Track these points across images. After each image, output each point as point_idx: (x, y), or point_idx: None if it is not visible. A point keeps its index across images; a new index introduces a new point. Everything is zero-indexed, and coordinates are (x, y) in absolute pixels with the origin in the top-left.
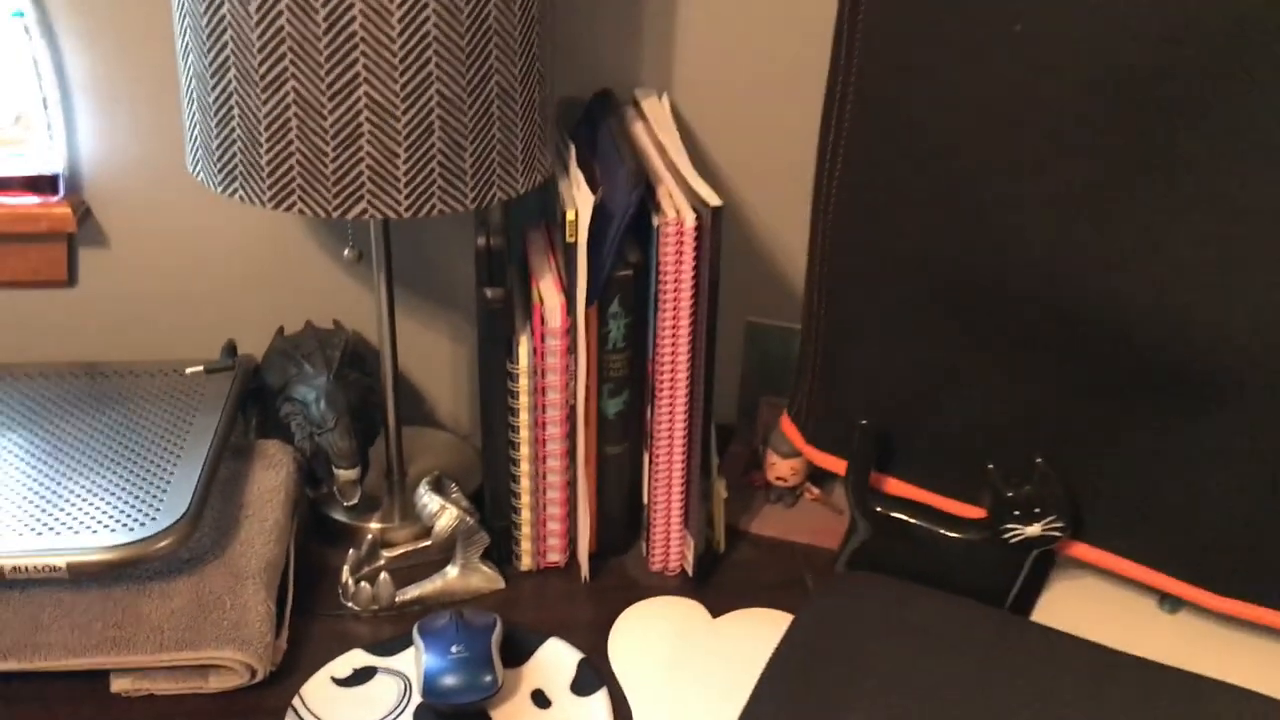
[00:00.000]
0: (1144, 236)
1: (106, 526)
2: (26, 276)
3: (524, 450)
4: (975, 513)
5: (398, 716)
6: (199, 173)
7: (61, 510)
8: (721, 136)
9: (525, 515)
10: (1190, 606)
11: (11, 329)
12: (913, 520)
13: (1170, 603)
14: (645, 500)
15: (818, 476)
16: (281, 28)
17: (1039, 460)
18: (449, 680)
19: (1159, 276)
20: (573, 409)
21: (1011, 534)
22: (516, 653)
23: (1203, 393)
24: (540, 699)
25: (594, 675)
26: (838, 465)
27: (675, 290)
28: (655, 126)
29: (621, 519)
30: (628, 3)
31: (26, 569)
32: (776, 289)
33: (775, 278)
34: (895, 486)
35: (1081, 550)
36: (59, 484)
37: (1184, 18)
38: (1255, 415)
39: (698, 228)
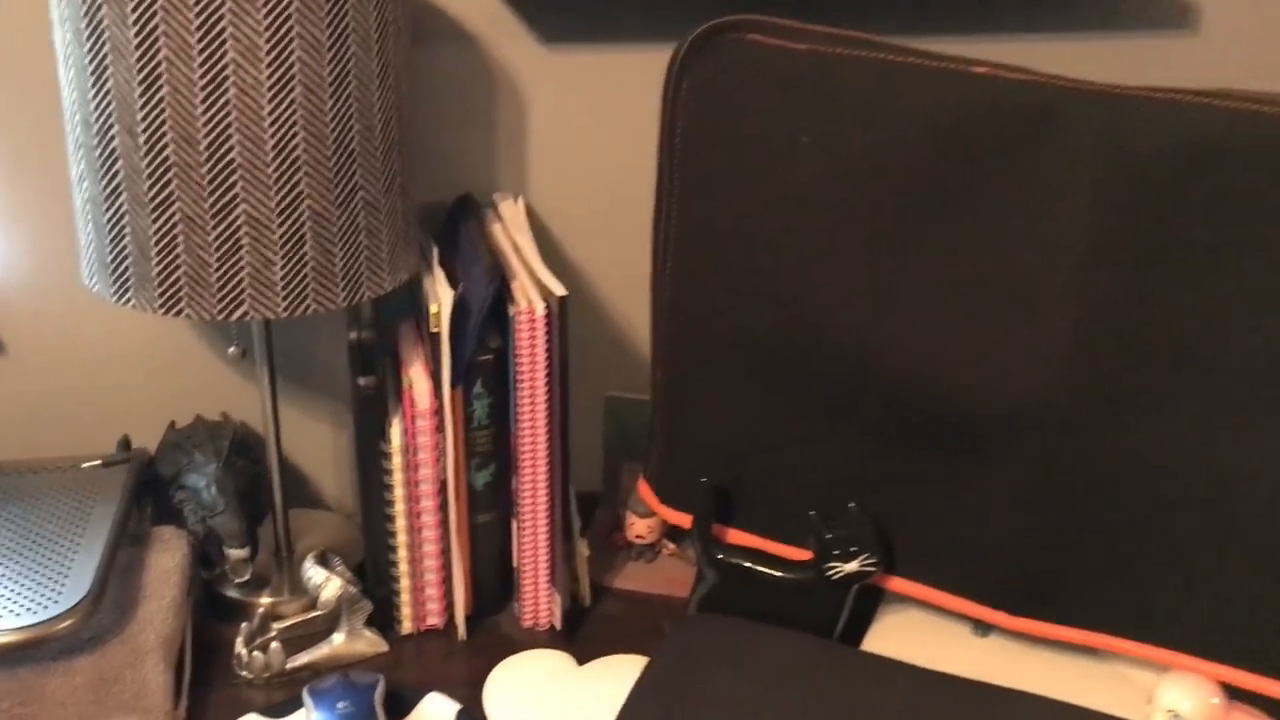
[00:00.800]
0: (916, 313)
1: (12, 611)
2: None
3: (400, 523)
4: (803, 555)
5: None
6: (95, 284)
7: None
8: (575, 232)
9: (404, 583)
10: (997, 629)
11: None
12: (750, 565)
13: (981, 627)
14: (515, 563)
15: (673, 533)
16: (167, 158)
17: (852, 505)
18: None
19: (930, 345)
20: (444, 483)
21: (834, 571)
22: (399, 707)
23: (976, 440)
24: None
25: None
26: (685, 520)
27: (531, 371)
28: (510, 227)
29: (494, 581)
30: (485, 117)
31: None
32: (632, 365)
33: (630, 355)
34: (735, 536)
35: (896, 583)
36: None
37: (923, 128)
38: (1017, 457)
39: (547, 315)
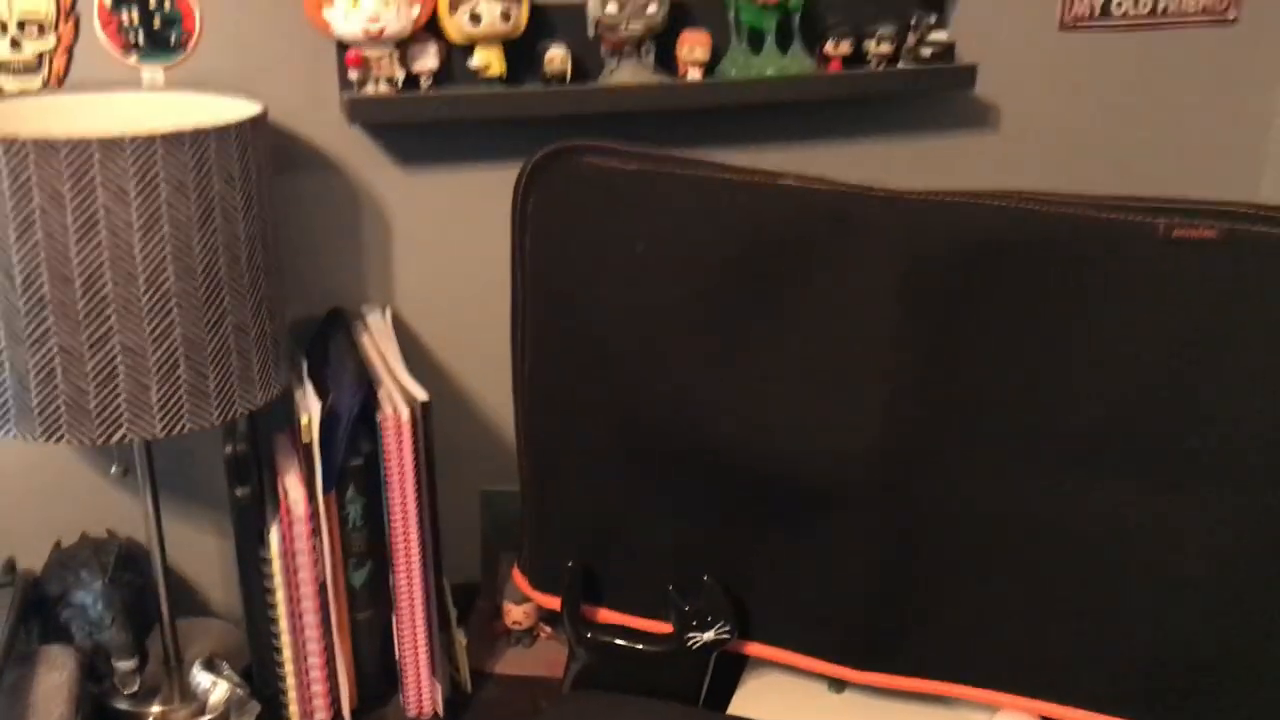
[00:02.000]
0: (748, 396)
1: None
2: None
3: (283, 624)
4: (665, 628)
5: None
6: None
7: None
8: (443, 337)
9: (290, 682)
10: (850, 685)
11: None
12: (616, 641)
13: (835, 685)
14: (396, 655)
15: (549, 617)
16: (44, 296)
17: (706, 578)
18: None
19: (763, 424)
20: (323, 584)
21: (693, 641)
22: None
23: (808, 509)
24: None
25: None
26: (555, 603)
27: (400, 473)
28: (377, 337)
29: (377, 674)
30: (352, 235)
31: None
32: (505, 459)
33: (503, 450)
34: (602, 615)
35: (752, 648)
36: None
37: (738, 233)
38: (846, 523)
39: (412, 419)
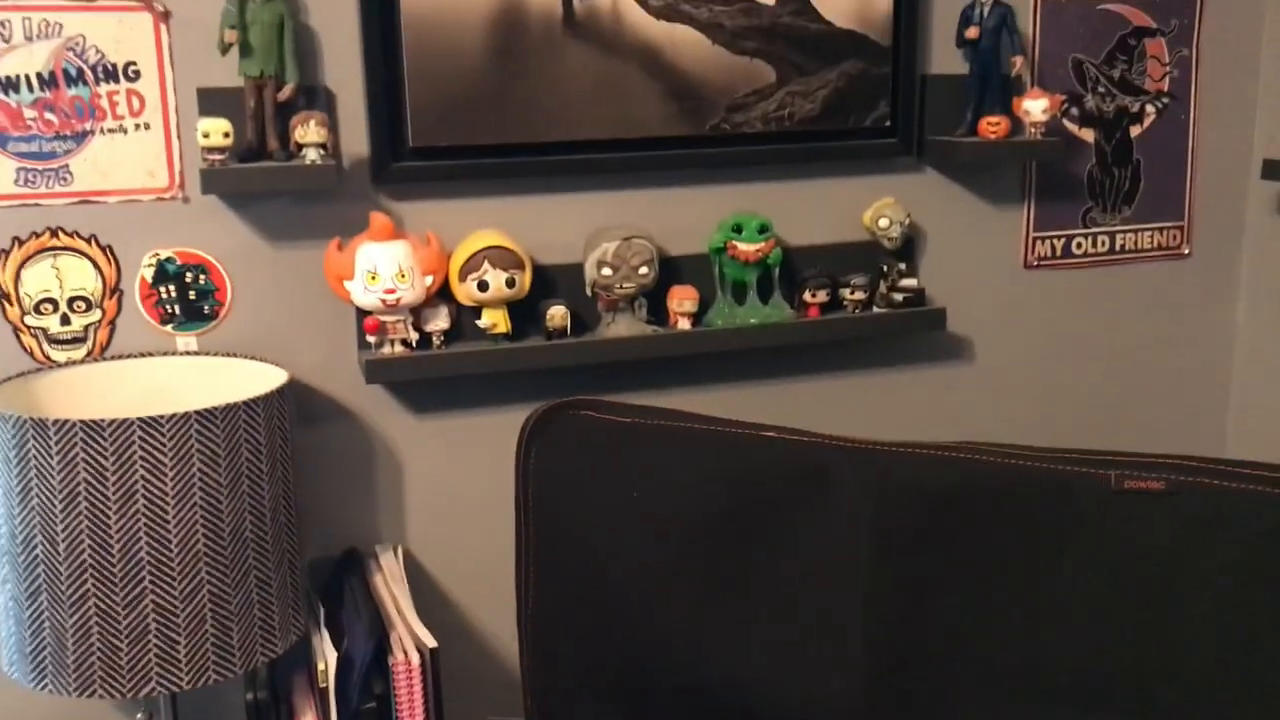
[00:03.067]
0: (735, 638)
1: None
2: None
3: None
4: None
5: None
6: (14, 672)
7: None
8: (453, 574)
9: None
10: None
11: None
12: None
13: None
14: None
15: None
16: (84, 561)
17: None
18: None
19: (749, 664)
20: None
21: None
22: None
23: None
24: None
25: None
26: None
27: (411, 714)
28: (389, 578)
29: None
30: (367, 479)
31: None
32: (512, 689)
33: (509, 680)
34: None
35: None
36: None
37: (722, 481)
38: None
39: (422, 665)
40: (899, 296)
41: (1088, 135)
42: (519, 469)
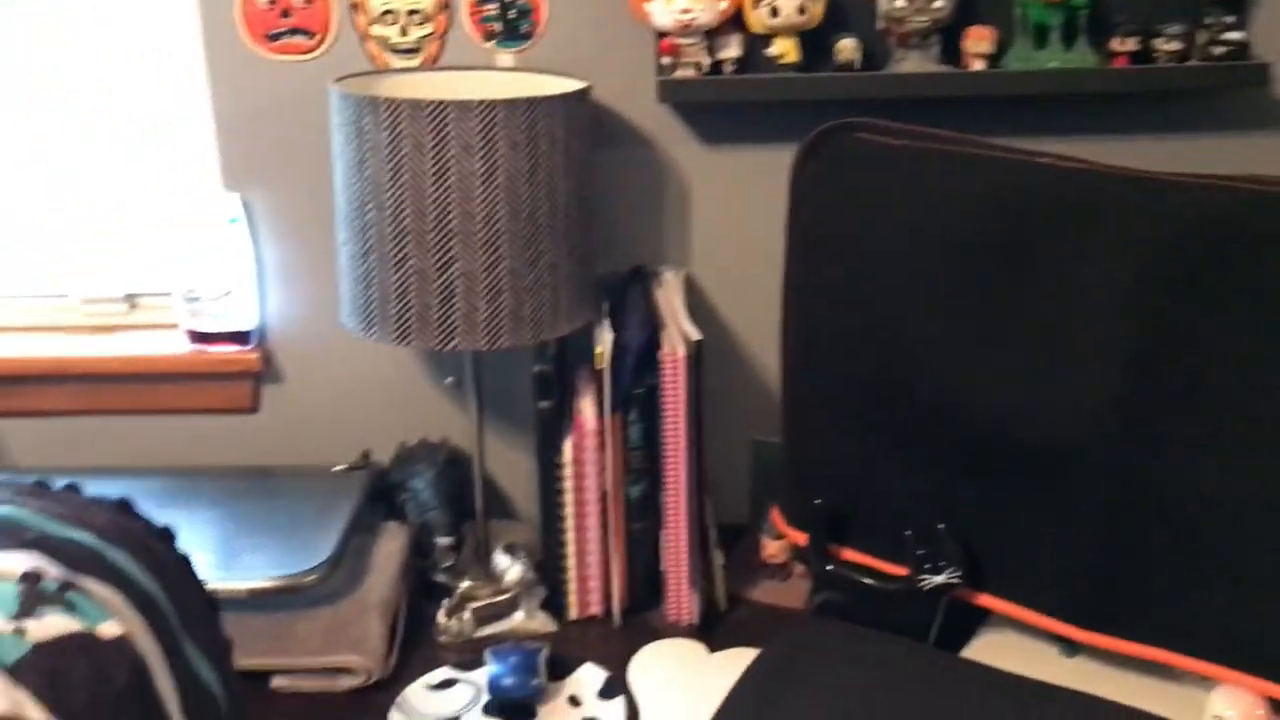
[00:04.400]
0: (990, 361)
1: (273, 568)
2: (223, 405)
3: (570, 526)
4: (900, 570)
5: (470, 711)
6: (350, 323)
7: (244, 559)
8: (731, 298)
9: (572, 575)
10: (1084, 652)
11: (210, 443)
12: (854, 577)
13: (1068, 649)
14: (662, 566)
15: (803, 556)
16: (406, 226)
17: (940, 526)
18: (507, 682)
19: (1001, 388)
20: (605, 494)
21: (924, 583)
22: (559, 670)
23: (1041, 471)
24: (574, 701)
25: (616, 686)
26: (803, 538)
27: (675, 402)
28: (669, 291)
29: (646, 583)
30: (657, 203)
31: (221, 593)
32: (776, 411)
33: (773, 402)
34: (845, 553)
35: (984, 599)
36: (243, 543)
37: (992, 208)
38: (1077, 487)
39: (687, 357)
40: (1219, 50)
41: None
42: (792, 188)
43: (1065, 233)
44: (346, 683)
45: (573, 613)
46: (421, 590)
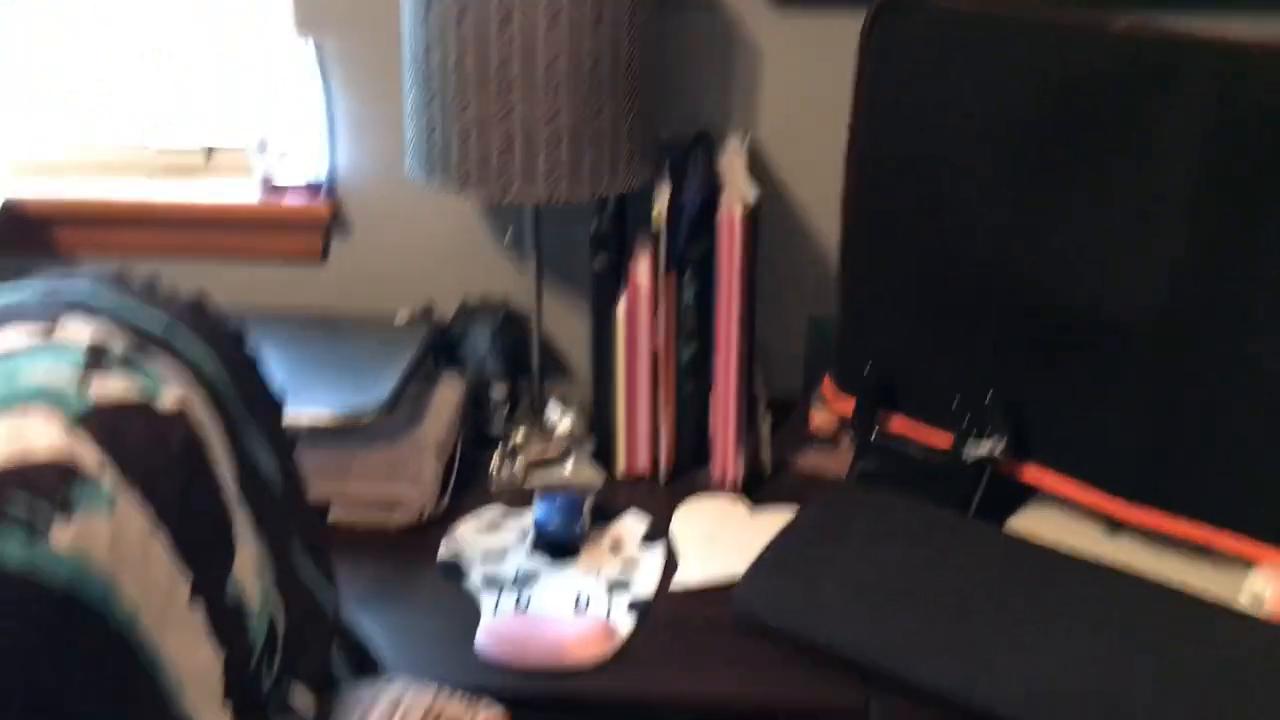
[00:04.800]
0: (1052, 230)
1: (336, 404)
2: (294, 253)
3: (620, 384)
4: (945, 441)
5: (518, 548)
6: (413, 174)
7: (306, 397)
8: (794, 166)
9: (621, 433)
10: (1127, 532)
11: (279, 291)
12: (899, 447)
13: (1109, 529)
14: (710, 430)
15: (849, 425)
16: (468, 74)
17: (990, 392)
18: (552, 524)
19: (1063, 259)
20: (656, 354)
21: (969, 453)
22: (604, 517)
23: (1100, 344)
24: (615, 546)
25: (657, 535)
26: (850, 407)
27: (729, 263)
28: (731, 157)
29: (693, 446)
30: (724, 68)
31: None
32: (834, 288)
33: (833, 280)
34: (892, 422)
35: (1030, 471)
36: (306, 383)
37: (1062, 74)
38: (1135, 361)
39: (744, 218)
40: None
41: None
42: (861, 51)
43: (1139, 101)
44: (400, 517)
45: (621, 468)
46: (476, 441)
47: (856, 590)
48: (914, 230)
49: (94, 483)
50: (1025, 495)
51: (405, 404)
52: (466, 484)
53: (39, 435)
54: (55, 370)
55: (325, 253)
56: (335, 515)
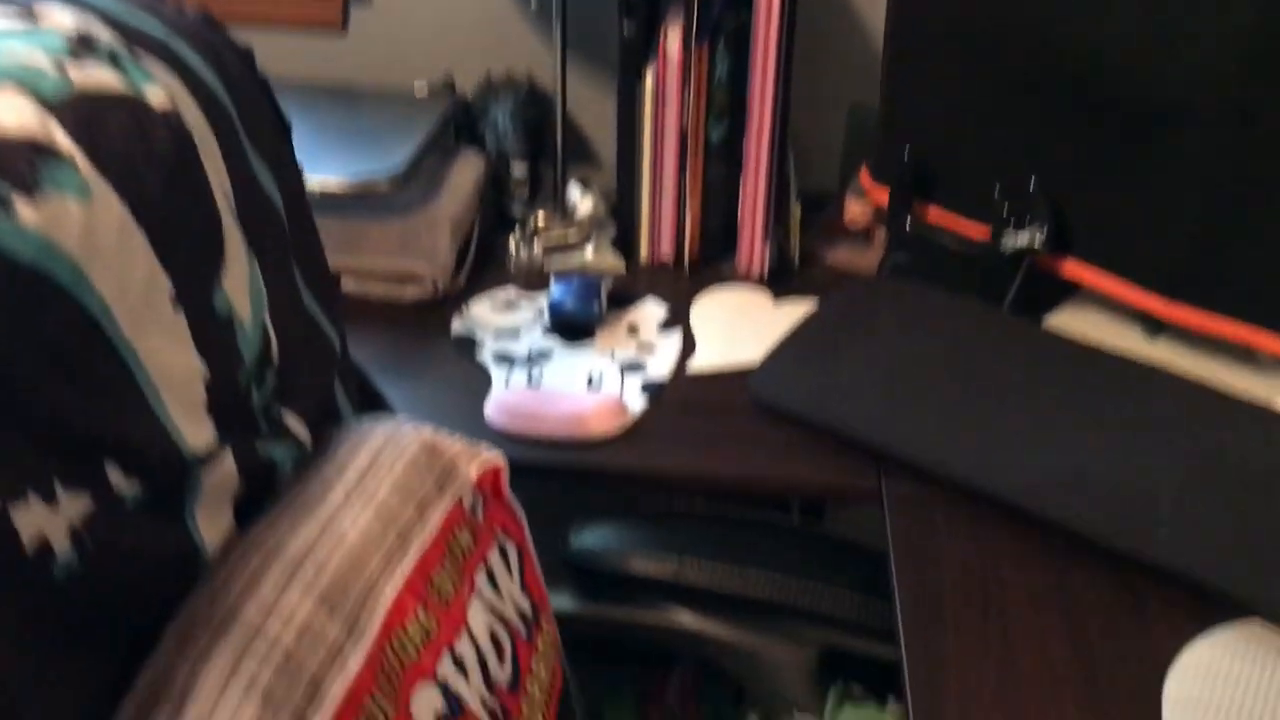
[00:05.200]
0: (1115, 6)
1: (351, 170)
2: (314, 19)
3: (646, 163)
4: (983, 231)
5: (532, 328)
6: None
7: (324, 162)
8: None
9: (645, 217)
10: (1166, 334)
11: (300, 57)
12: (934, 238)
13: (1149, 330)
14: (738, 217)
15: (884, 218)
16: None
17: (1034, 179)
18: (568, 304)
19: (1116, 31)
20: (685, 134)
21: (1008, 244)
22: (623, 301)
23: (1153, 126)
24: (632, 329)
25: (676, 320)
26: (885, 196)
27: (765, 34)
28: None
29: (719, 235)
30: None
31: None
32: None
33: (876, 67)
34: (928, 213)
35: (1069, 266)
36: (321, 150)
37: None
38: (1191, 146)
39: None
40: None
41: None
42: None
43: None
44: (413, 292)
45: (643, 255)
46: (495, 222)
47: (877, 376)
48: (964, 6)
49: (67, 165)
50: (1063, 294)
51: (422, 177)
52: (483, 265)
53: (8, 112)
54: (32, 53)
55: (345, 22)
56: (347, 287)
